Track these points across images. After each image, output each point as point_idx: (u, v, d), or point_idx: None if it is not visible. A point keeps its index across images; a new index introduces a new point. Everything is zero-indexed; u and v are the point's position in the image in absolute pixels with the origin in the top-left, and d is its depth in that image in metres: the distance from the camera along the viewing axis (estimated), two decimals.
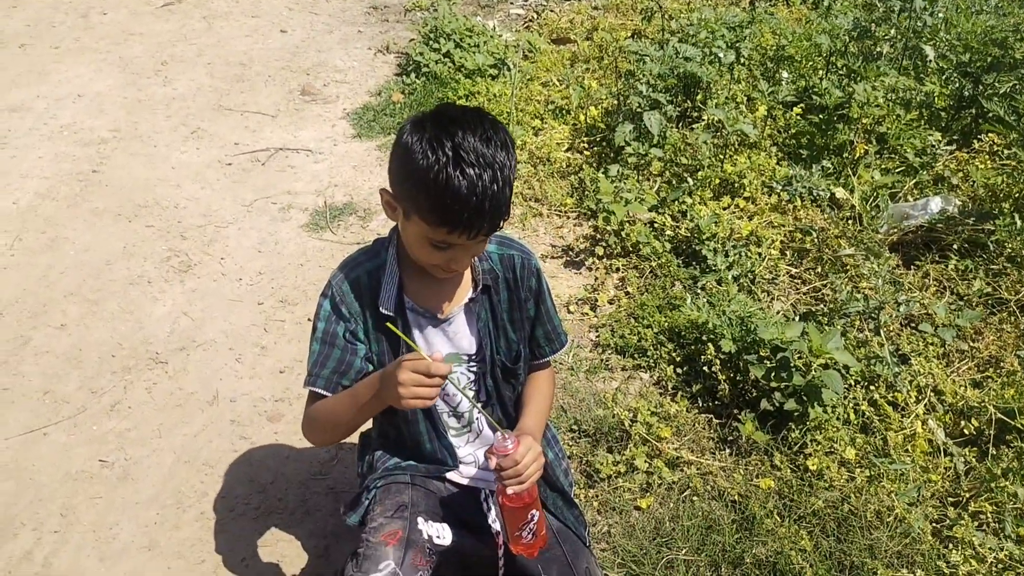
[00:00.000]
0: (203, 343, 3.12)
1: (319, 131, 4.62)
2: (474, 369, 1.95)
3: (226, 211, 3.90)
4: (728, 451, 2.62)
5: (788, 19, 5.18)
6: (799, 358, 2.65)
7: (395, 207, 1.69)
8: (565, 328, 2.10)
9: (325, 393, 1.87)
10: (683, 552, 2.30)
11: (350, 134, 4.58)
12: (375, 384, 1.71)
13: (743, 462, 2.56)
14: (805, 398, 2.60)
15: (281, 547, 2.41)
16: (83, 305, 3.30)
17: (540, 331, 2.02)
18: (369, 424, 2.08)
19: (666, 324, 3.03)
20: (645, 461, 2.55)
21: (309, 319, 3.22)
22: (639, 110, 3.80)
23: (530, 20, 6.03)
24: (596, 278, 3.39)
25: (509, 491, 1.65)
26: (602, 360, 3.01)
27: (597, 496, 2.50)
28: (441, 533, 1.89)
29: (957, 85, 4.05)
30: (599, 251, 3.46)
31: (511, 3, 6.37)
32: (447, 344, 1.91)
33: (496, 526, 1.95)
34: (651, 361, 2.95)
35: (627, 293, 3.28)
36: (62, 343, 3.11)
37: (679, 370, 2.89)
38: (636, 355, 2.99)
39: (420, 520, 1.86)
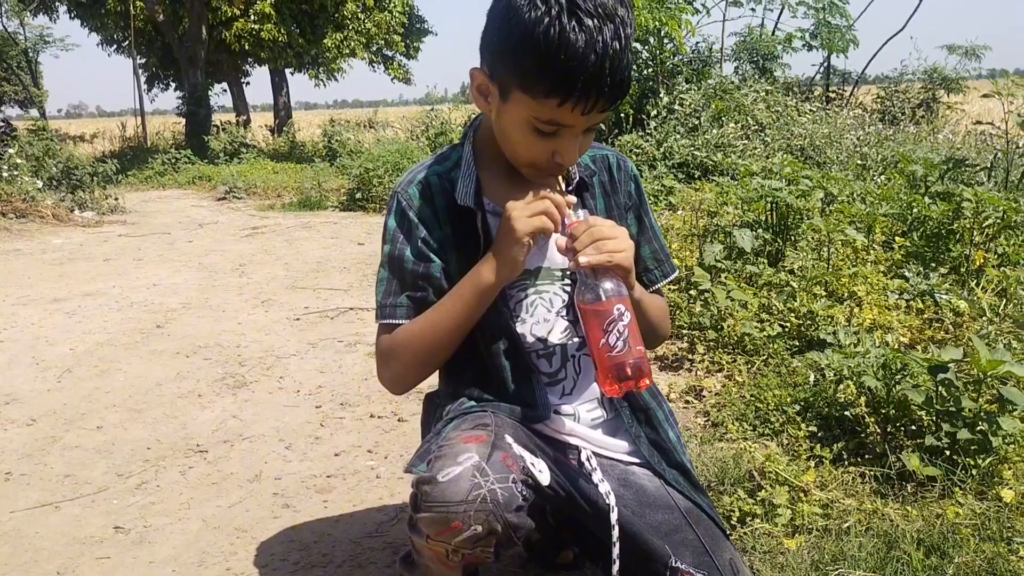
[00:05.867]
0: (251, 436, 2.73)
1: None
2: (568, 289, 1.57)
3: (290, 347, 3.63)
4: (891, 496, 2.05)
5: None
6: (962, 382, 2.16)
7: (489, 90, 1.41)
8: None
9: (403, 322, 1.50)
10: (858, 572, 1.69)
11: None
12: (484, 264, 1.44)
13: (912, 500, 1.99)
14: (981, 427, 2.07)
15: None
16: (124, 413, 2.96)
17: (647, 249, 1.66)
18: (435, 382, 1.66)
19: (789, 399, 2.56)
20: (787, 506, 1.99)
21: (373, 415, 2.83)
22: (728, 229, 3.56)
23: None
24: (698, 375, 2.95)
25: (582, 259, 1.32)
26: (717, 431, 2.51)
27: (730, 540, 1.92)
28: (538, 464, 1.40)
29: None
30: (700, 348, 3.05)
31: None
32: (536, 256, 1.55)
33: (609, 498, 1.45)
34: (776, 427, 2.45)
35: (737, 383, 2.82)
36: (94, 440, 2.74)
37: (812, 429, 2.38)
38: (758, 423, 2.50)
39: (509, 438, 1.39)
